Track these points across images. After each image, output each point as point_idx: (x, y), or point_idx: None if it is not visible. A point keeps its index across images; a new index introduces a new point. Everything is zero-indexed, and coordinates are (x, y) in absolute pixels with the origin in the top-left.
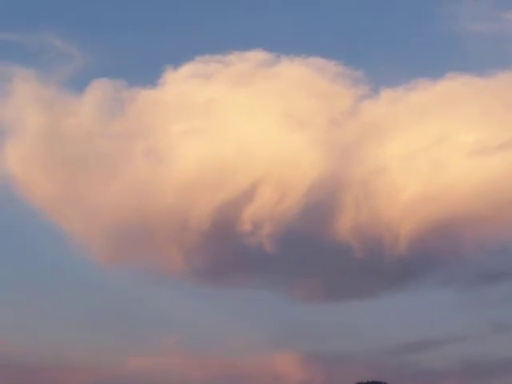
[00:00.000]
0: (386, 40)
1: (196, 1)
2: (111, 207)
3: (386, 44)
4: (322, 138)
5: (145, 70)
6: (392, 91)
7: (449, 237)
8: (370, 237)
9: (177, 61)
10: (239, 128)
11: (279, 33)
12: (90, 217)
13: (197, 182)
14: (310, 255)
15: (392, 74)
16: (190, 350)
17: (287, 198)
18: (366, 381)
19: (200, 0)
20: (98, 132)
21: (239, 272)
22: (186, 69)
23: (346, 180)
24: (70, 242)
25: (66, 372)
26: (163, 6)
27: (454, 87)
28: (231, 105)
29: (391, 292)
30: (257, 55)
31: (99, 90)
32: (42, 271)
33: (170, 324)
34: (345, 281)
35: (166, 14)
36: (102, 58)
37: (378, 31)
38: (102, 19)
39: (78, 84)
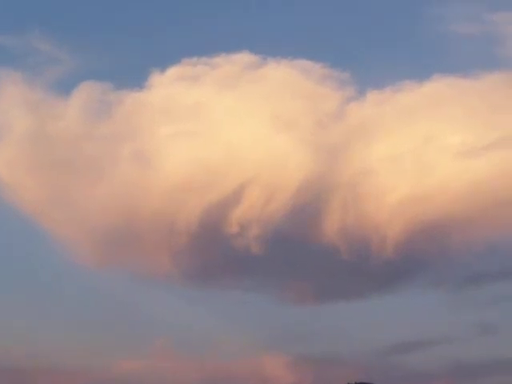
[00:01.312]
0: (373, 42)
1: (182, 3)
2: (99, 210)
3: (373, 46)
4: (309, 139)
5: (132, 73)
6: (378, 93)
7: (436, 238)
8: (357, 239)
9: (163, 63)
10: (226, 130)
11: (265, 35)
12: (78, 220)
13: (184, 185)
14: (298, 257)
15: (378, 75)
16: (179, 352)
17: (275, 200)
18: (354, 382)
19: (186, 2)
20: (85, 135)
21: (227, 274)
22: (173, 71)
23: (333, 182)
24: (57, 245)
25: (56, 375)
26: (149, 9)
27: (440, 89)
28: (218, 107)
29: (379, 294)
30: (243, 57)
31: (86, 93)
32: (29, 275)
33: (159, 327)
34: (333, 283)
35: (153, 17)
36: (89, 60)
37: (364, 33)
38: (88, 22)
39: (65, 87)
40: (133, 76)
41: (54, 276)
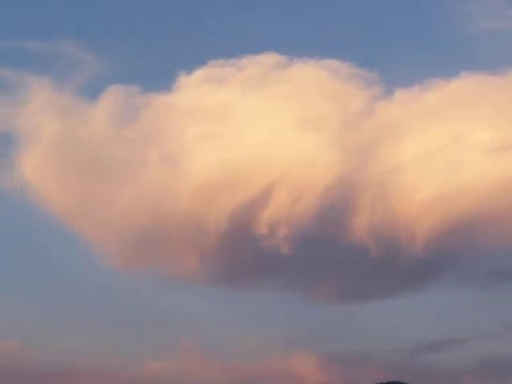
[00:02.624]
0: (399, 40)
1: (208, 6)
2: (127, 212)
3: (399, 44)
4: (337, 139)
5: (159, 76)
6: (406, 91)
7: (465, 236)
8: (386, 237)
9: (190, 66)
10: (254, 131)
11: (292, 35)
12: (106, 222)
13: (212, 186)
14: (327, 256)
15: (405, 74)
16: (206, 353)
17: (303, 200)
18: (385, 381)
19: (212, 5)
20: (113, 138)
21: (256, 274)
22: (200, 73)
23: (361, 181)
24: (86, 247)
25: (83, 377)
26: (176, 12)
27: (467, 86)
28: (245, 108)
29: (408, 292)
30: (270, 58)
31: (113, 97)
32: (58, 277)
33: (187, 327)
34: (361, 281)
35: (179, 20)
36: (116, 64)
37: (391, 32)
38: (115, 26)
39: (93, 91)
40: (160, 79)
41: (82, 277)
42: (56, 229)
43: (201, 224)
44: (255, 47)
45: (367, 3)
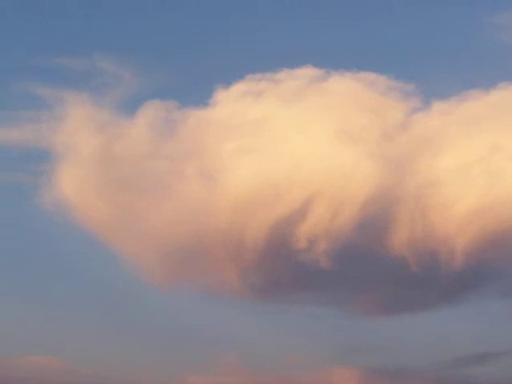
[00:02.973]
0: (436, 52)
1: (244, 20)
2: (166, 228)
3: (437, 56)
4: (375, 152)
5: (196, 90)
6: (444, 103)
7: (505, 248)
8: (425, 251)
9: (227, 80)
10: (292, 145)
11: (329, 49)
12: (145, 238)
13: (251, 200)
14: (366, 270)
15: (443, 85)
16: (248, 367)
17: (342, 214)
18: None
19: (249, 19)
20: (150, 153)
21: (296, 289)
22: (237, 87)
23: (400, 194)
24: (125, 263)
25: None
26: (212, 26)
27: (506, 97)
28: (283, 122)
29: (449, 305)
30: (307, 72)
31: (151, 112)
32: (98, 294)
33: (228, 343)
34: (401, 295)
35: (215, 34)
36: (153, 79)
37: (427, 43)
38: (151, 41)
39: (131, 106)
40: (197, 93)
41: (122, 294)
42: (95, 245)
43: (240, 239)
44: (292, 61)
45: (402, 16)
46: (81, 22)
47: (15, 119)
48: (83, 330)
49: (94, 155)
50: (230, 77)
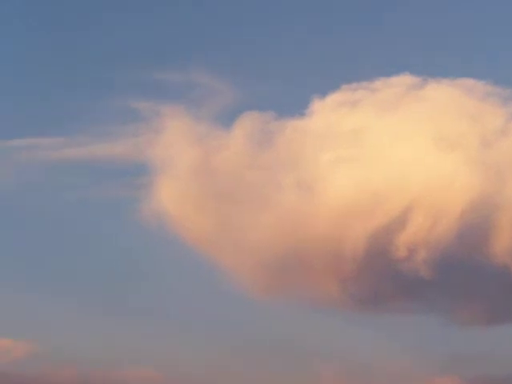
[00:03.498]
0: None
1: (339, 31)
2: (264, 239)
3: None
4: (475, 159)
5: (292, 101)
6: None
7: None
8: None
9: (324, 90)
10: (389, 153)
11: (425, 56)
12: (244, 250)
13: (349, 210)
14: (468, 279)
15: None
16: (349, 378)
17: (441, 222)
18: None
19: (343, 29)
20: (248, 165)
21: (396, 298)
22: (333, 97)
23: (501, 201)
24: (223, 276)
25: None
26: (307, 38)
27: None
28: (380, 131)
29: None
30: (404, 80)
31: (248, 123)
32: (197, 307)
33: (328, 353)
34: (505, 303)
35: (311, 46)
36: (250, 91)
37: None
38: (247, 53)
39: (227, 118)
40: (293, 104)
41: (221, 306)
42: (194, 258)
43: (338, 249)
44: (389, 70)
45: (498, 21)
46: (177, 37)
47: (114, 134)
48: (182, 343)
49: (191, 168)
50: (325, 87)
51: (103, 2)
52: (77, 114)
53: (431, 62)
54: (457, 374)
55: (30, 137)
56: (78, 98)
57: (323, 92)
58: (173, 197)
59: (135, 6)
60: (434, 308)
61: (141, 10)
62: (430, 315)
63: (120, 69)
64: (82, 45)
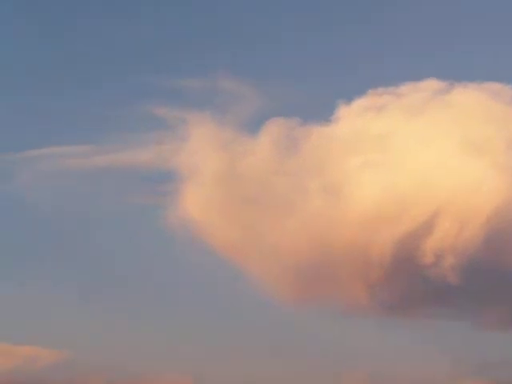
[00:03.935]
0: None
1: (366, 36)
2: (291, 245)
3: None
4: (502, 163)
5: (318, 107)
6: None
7: None
8: None
9: (349, 95)
10: (415, 158)
11: (452, 61)
12: (271, 256)
13: (376, 215)
14: (495, 284)
15: None
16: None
17: (469, 227)
18: None
19: (368, 34)
20: (274, 171)
21: (424, 304)
22: (359, 103)
23: None
24: (251, 282)
25: None
26: (332, 44)
27: None
28: (406, 136)
29: None
30: (430, 84)
31: (274, 130)
32: (224, 313)
33: (357, 360)
34: None
35: (336, 51)
36: (275, 97)
37: None
38: (272, 59)
39: (253, 125)
40: (319, 110)
41: (248, 313)
42: (221, 264)
43: (366, 254)
44: (414, 74)
45: None
46: (202, 44)
47: (139, 141)
48: (211, 350)
49: (217, 174)
50: (351, 92)
51: (130, 8)
52: (102, 122)
53: (457, 67)
54: (485, 378)
55: (56, 145)
56: (104, 106)
57: (349, 97)
58: (198, 203)
59: (161, 12)
60: (463, 314)
61: (166, 17)
62: (459, 321)
63: (145, 76)
64: (108, 53)
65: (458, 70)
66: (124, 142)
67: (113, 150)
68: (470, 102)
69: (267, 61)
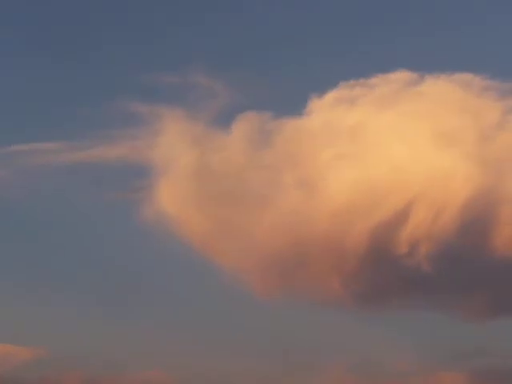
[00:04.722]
0: None
1: (335, 28)
2: (266, 239)
3: None
4: (473, 153)
5: (290, 101)
6: None
7: None
8: None
9: (321, 88)
10: (388, 150)
11: (421, 52)
12: (245, 250)
13: (350, 207)
14: (470, 273)
15: None
16: (354, 375)
17: (442, 217)
18: None
19: (339, 27)
20: (247, 165)
21: (399, 294)
22: (331, 95)
23: (501, 195)
24: (226, 276)
25: None
26: (303, 37)
27: None
28: (378, 127)
29: None
30: (401, 76)
31: (246, 124)
32: (199, 307)
33: (333, 351)
34: (507, 296)
35: (306, 45)
36: (247, 91)
37: None
38: (243, 54)
39: (225, 119)
40: (291, 103)
41: (223, 306)
42: (196, 259)
43: (340, 246)
44: (386, 66)
45: (494, 15)
46: (174, 39)
47: (113, 137)
48: (183, 343)
49: (191, 169)
50: (323, 85)
51: (102, 4)
52: (76, 118)
53: (428, 58)
54: (463, 368)
55: (30, 142)
56: (77, 102)
57: (321, 90)
58: (173, 198)
59: (133, 9)
60: (438, 303)
61: (139, 13)
62: (434, 310)
63: (118, 72)
64: (81, 49)
65: (428, 61)
66: (98, 138)
67: (86, 146)
68: (441, 93)
69: (238, 55)
